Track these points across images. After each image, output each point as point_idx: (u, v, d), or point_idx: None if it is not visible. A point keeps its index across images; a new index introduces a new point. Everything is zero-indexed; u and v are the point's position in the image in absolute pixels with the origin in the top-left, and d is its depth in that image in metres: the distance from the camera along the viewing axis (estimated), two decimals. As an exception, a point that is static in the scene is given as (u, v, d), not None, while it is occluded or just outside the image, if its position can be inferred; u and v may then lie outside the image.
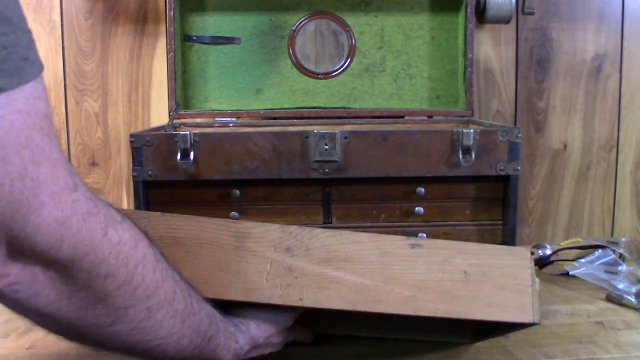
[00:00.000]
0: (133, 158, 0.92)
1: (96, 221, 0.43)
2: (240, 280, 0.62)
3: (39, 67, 0.42)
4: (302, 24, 1.25)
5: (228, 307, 0.64)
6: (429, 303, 0.63)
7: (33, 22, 1.24)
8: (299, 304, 0.62)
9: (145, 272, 0.48)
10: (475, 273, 0.64)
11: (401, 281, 0.63)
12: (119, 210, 0.49)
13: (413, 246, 0.64)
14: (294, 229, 0.64)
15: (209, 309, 0.58)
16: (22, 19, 0.41)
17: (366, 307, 0.63)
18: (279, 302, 0.62)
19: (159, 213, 0.61)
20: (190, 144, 0.91)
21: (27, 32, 0.41)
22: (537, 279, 0.66)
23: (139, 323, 0.49)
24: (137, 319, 0.48)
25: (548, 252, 1.20)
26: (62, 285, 0.44)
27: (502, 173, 0.94)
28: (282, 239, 0.63)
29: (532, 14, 1.32)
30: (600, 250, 1.15)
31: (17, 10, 0.40)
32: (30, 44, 0.41)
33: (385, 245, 0.64)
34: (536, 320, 0.65)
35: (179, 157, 0.91)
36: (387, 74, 1.27)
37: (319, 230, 0.64)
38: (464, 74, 1.21)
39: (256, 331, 0.65)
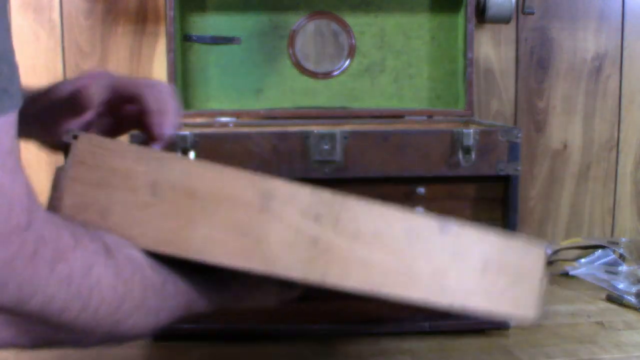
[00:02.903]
0: (133, 158, 0.92)
1: (43, 259, 0.41)
2: (260, 247, 0.54)
3: (17, 102, 0.41)
4: (302, 24, 1.25)
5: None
6: (448, 296, 0.61)
7: (33, 22, 1.24)
8: (322, 281, 0.56)
9: (104, 294, 0.46)
10: (493, 267, 0.62)
11: (425, 268, 0.60)
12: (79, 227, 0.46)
13: (442, 231, 0.61)
14: (326, 195, 0.57)
15: (180, 283, 0.55)
16: (9, 51, 0.40)
17: (389, 290, 0.58)
18: (300, 275, 0.55)
19: (174, 155, 0.53)
20: (191, 144, 0.91)
21: (13, 64, 0.41)
22: (545, 278, 0.66)
23: (110, 332, 0.47)
24: (105, 331, 0.47)
25: (548, 252, 1.20)
26: (14, 326, 0.42)
27: (502, 173, 0.94)
28: (312, 204, 0.56)
29: (532, 14, 1.32)
30: (600, 251, 1.15)
31: (5, 42, 0.40)
32: (14, 76, 0.40)
33: (414, 226, 0.60)
34: (536, 318, 0.65)
35: (179, 157, 0.91)
36: (387, 74, 1.27)
37: (353, 201, 0.58)
38: (464, 74, 1.21)
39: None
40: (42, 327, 0.43)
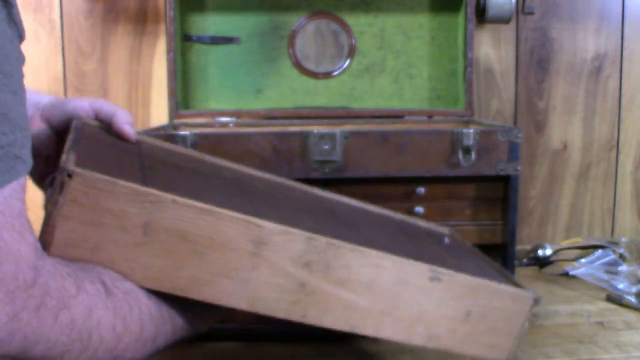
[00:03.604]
0: (133, 158, 0.92)
1: (48, 309, 0.44)
2: (247, 288, 0.55)
3: (28, 165, 0.44)
4: (302, 24, 1.25)
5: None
6: (424, 337, 0.62)
7: (33, 22, 1.24)
8: (301, 320, 0.58)
9: (103, 334, 0.48)
10: (477, 313, 0.63)
11: (407, 312, 0.61)
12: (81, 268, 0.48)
13: (432, 279, 0.61)
14: (320, 243, 0.57)
15: (173, 305, 0.56)
16: (23, 118, 0.43)
17: (366, 331, 0.60)
18: (282, 315, 0.57)
19: (170, 198, 0.51)
20: (191, 144, 0.91)
21: (25, 130, 0.43)
22: (527, 324, 0.67)
23: None
24: None
25: (548, 252, 1.20)
26: None
27: (502, 173, 0.94)
28: (304, 252, 0.56)
29: (532, 14, 1.32)
30: (600, 251, 1.15)
31: (20, 110, 0.42)
32: (26, 141, 0.43)
33: (405, 274, 0.60)
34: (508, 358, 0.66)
35: (179, 157, 0.91)
36: (387, 74, 1.27)
37: (346, 248, 0.58)
38: (464, 74, 1.21)
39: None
40: None
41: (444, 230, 0.86)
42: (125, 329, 0.50)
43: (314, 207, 0.74)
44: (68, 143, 0.57)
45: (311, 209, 0.72)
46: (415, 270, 0.61)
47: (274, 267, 0.55)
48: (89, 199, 0.49)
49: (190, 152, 0.78)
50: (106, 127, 0.68)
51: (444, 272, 0.62)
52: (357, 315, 0.59)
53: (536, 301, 0.65)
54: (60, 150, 0.57)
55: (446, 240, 0.81)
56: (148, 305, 0.53)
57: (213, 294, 0.54)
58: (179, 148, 0.77)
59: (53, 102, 0.69)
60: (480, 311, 0.63)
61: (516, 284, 0.67)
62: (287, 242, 0.56)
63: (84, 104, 0.68)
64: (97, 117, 0.68)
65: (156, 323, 0.53)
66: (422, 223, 0.85)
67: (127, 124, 0.67)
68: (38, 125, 0.67)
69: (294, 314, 0.57)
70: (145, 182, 0.53)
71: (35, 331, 0.43)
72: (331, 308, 0.58)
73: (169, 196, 0.51)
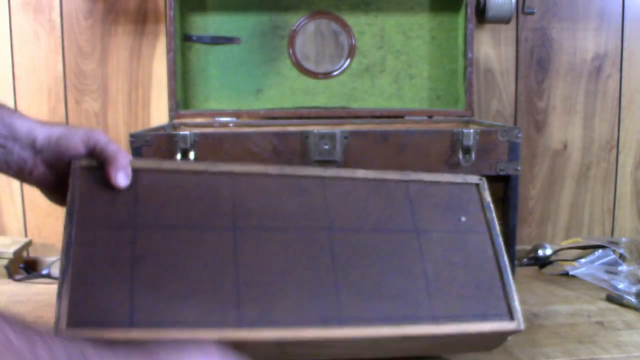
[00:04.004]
0: (133, 158, 0.92)
1: None
2: None
3: None
4: (302, 24, 1.25)
5: None
6: None
7: (33, 22, 1.24)
8: None
9: None
10: None
11: None
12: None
13: None
14: None
15: (69, 349, 0.46)
16: None
17: None
18: None
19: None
20: (191, 144, 0.91)
21: None
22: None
23: None
24: None
25: (548, 252, 1.20)
26: None
27: (502, 173, 0.94)
28: None
29: (532, 14, 1.32)
30: (600, 250, 1.15)
31: None
32: None
33: None
34: None
35: (179, 157, 0.91)
36: (387, 74, 1.27)
37: None
38: (464, 74, 1.21)
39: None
40: None
41: (473, 180, 0.78)
42: None
43: (310, 235, 0.69)
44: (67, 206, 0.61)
45: (308, 241, 0.69)
46: None
47: None
48: None
49: (187, 166, 0.72)
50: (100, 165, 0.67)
51: None
52: None
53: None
54: (66, 177, 0.63)
55: (462, 219, 0.76)
56: (14, 340, 0.43)
57: None
58: (175, 165, 0.71)
59: (49, 142, 0.66)
60: None
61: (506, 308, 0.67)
62: None
63: (77, 145, 0.66)
64: (92, 153, 0.66)
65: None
66: (451, 178, 0.78)
67: (121, 170, 0.65)
68: (41, 170, 0.67)
69: None
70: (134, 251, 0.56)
71: None
72: None
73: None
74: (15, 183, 1.26)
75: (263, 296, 0.61)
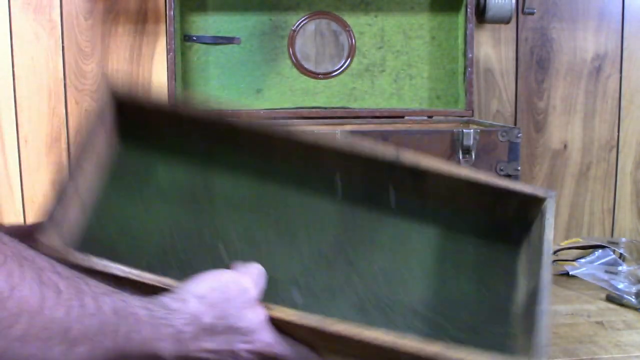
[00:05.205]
0: (133, 158, 0.92)
1: None
2: None
3: None
4: (302, 24, 1.25)
5: None
6: None
7: (33, 22, 1.24)
8: None
9: None
10: None
11: None
12: None
13: None
14: None
15: (118, 302, 0.47)
16: None
17: None
18: None
19: None
20: (190, 144, 0.91)
21: None
22: None
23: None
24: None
25: (548, 252, 1.20)
26: None
27: (502, 173, 0.94)
28: None
29: (532, 14, 1.32)
30: (600, 250, 1.15)
31: None
32: None
33: None
34: None
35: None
36: (387, 74, 1.27)
37: None
38: (464, 74, 1.21)
39: (198, 307, 0.51)
40: None
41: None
42: (11, 288, 0.41)
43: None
44: None
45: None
46: None
47: None
48: None
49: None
50: None
51: None
52: None
53: None
54: None
55: None
56: (62, 280, 0.44)
57: None
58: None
59: None
60: None
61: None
62: None
63: None
64: None
65: (65, 306, 0.44)
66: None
67: None
68: None
69: None
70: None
71: None
72: None
73: None
74: (15, 182, 1.26)
75: None
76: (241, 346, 0.53)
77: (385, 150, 0.65)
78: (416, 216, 0.68)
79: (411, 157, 0.66)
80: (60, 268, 0.45)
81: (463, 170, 0.66)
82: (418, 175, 0.66)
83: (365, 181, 0.67)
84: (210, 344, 0.52)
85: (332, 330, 0.53)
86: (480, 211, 0.67)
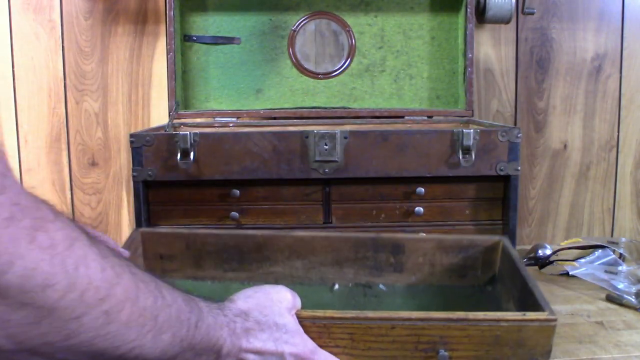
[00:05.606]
0: (133, 158, 0.92)
1: (21, 226, 0.38)
2: None
3: None
4: (302, 24, 1.25)
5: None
6: None
7: (33, 22, 1.24)
8: None
9: (91, 273, 0.42)
10: None
11: None
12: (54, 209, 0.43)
13: None
14: None
15: (184, 295, 0.52)
16: None
17: None
18: None
19: None
20: (190, 144, 0.91)
21: None
22: None
23: (99, 330, 0.42)
24: (95, 326, 0.42)
25: (548, 252, 1.20)
26: None
27: (502, 173, 0.94)
28: None
29: (532, 14, 1.32)
30: (600, 250, 1.15)
31: None
32: None
33: None
34: None
35: (179, 157, 0.91)
36: (387, 74, 1.27)
37: None
38: (464, 74, 1.21)
39: (245, 304, 0.59)
40: (24, 312, 0.39)
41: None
42: (117, 275, 0.44)
43: None
44: None
45: None
46: None
47: None
48: None
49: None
50: None
51: None
52: None
53: None
54: None
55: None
56: (140, 274, 0.48)
57: None
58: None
59: None
60: None
61: None
62: None
63: None
64: None
65: (154, 295, 0.48)
66: None
67: None
68: None
69: None
70: None
71: (8, 248, 0.37)
72: None
73: None
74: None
75: None
76: (286, 348, 0.58)
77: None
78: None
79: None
80: (132, 263, 0.50)
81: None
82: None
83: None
84: (258, 342, 0.57)
85: (370, 317, 0.59)
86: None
